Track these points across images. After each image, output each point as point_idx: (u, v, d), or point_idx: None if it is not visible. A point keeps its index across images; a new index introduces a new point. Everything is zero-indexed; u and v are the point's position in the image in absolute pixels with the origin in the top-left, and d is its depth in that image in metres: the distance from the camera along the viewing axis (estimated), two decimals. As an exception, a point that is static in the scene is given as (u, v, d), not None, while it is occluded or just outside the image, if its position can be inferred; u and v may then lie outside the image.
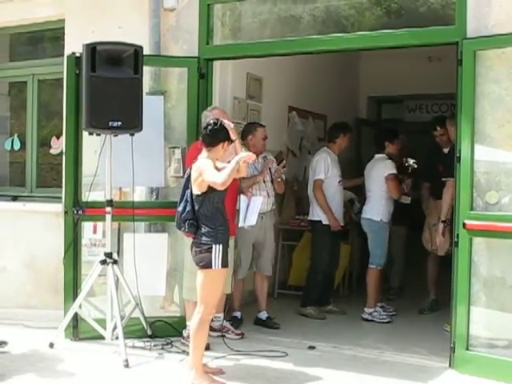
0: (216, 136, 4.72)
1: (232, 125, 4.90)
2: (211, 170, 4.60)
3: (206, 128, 4.77)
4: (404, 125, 10.86)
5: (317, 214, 6.81)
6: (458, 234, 5.03)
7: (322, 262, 6.81)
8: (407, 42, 5.42)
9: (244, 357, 5.38)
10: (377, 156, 6.92)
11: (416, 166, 6.86)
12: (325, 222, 6.74)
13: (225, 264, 4.68)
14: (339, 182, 6.90)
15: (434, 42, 5.41)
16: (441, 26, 5.22)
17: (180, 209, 4.77)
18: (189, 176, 4.76)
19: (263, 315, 6.44)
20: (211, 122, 4.78)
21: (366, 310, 6.67)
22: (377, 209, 6.74)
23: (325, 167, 6.78)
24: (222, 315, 5.88)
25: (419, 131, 10.20)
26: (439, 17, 5.37)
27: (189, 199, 4.71)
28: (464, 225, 4.98)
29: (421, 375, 5.00)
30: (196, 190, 4.66)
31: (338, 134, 6.95)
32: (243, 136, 6.26)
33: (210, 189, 4.63)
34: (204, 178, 4.61)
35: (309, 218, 6.99)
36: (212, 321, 5.76)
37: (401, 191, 6.82)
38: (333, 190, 6.81)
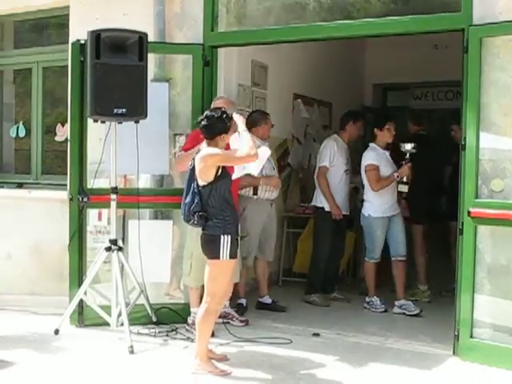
0: (211, 130, 4.64)
1: (241, 117, 4.80)
2: (231, 152, 4.64)
3: (201, 121, 4.68)
4: (409, 112, 10.81)
5: (320, 200, 6.82)
6: (462, 222, 5.02)
7: (323, 248, 6.82)
8: (413, 29, 5.40)
9: (248, 344, 5.40)
10: (369, 146, 6.77)
11: (415, 151, 6.40)
12: (327, 208, 6.75)
13: (233, 255, 4.65)
14: (345, 171, 6.87)
15: (439, 29, 5.37)
16: (447, 12, 5.19)
17: (188, 200, 4.64)
18: (193, 167, 4.66)
19: (267, 299, 6.50)
20: (206, 114, 4.69)
21: (365, 298, 6.67)
22: (367, 203, 6.59)
23: (330, 154, 6.77)
24: (227, 302, 5.91)
25: (425, 119, 10.23)
26: (445, 3, 5.33)
27: (196, 190, 4.62)
28: (469, 213, 4.97)
29: (425, 362, 5.02)
30: (202, 181, 4.59)
31: (347, 121, 6.94)
32: (256, 123, 6.35)
33: (217, 177, 4.58)
34: (232, 161, 4.68)
35: (312, 204, 7.00)
36: None
37: (381, 182, 6.45)
38: (337, 179, 6.80)
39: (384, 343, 5.52)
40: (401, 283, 6.55)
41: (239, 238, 4.90)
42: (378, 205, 6.51)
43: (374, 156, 6.57)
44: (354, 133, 6.97)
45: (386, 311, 6.53)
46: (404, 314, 6.41)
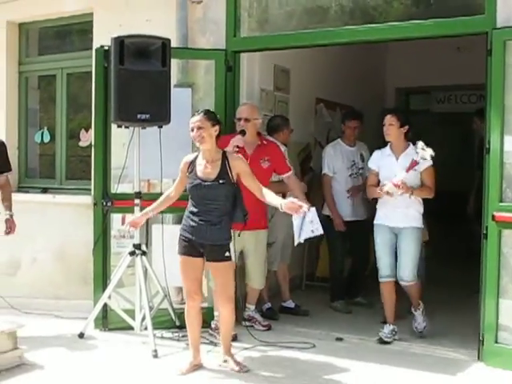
0: None
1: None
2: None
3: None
4: (432, 116, 10.77)
5: (327, 208, 6.81)
6: (486, 226, 4.99)
7: (335, 256, 6.85)
8: (436, 32, 5.37)
9: (272, 348, 5.41)
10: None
11: (428, 157, 5.22)
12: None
13: (180, 252, 4.78)
14: (350, 176, 6.72)
15: (462, 32, 5.33)
16: (470, 15, 5.16)
17: None
18: None
19: (291, 304, 6.54)
20: None
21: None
22: None
23: (327, 162, 6.71)
24: (252, 306, 6.00)
25: (448, 122, 10.18)
26: (468, 6, 5.30)
27: None
28: (493, 217, 4.93)
29: (449, 368, 4.98)
30: None
31: (340, 124, 6.97)
32: (278, 128, 6.43)
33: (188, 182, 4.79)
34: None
35: (322, 211, 6.95)
36: (244, 311, 5.96)
37: (369, 190, 5.75)
38: (342, 184, 6.69)
39: (407, 348, 5.50)
40: (415, 303, 5.73)
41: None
42: (379, 211, 5.68)
43: (374, 158, 5.78)
44: (348, 133, 6.81)
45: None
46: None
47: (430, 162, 5.39)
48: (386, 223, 5.59)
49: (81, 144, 7.19)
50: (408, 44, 6.89)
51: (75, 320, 5.96)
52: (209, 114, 4.76)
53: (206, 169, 4.73)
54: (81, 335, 5.65)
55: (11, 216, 5.74)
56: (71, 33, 7.36)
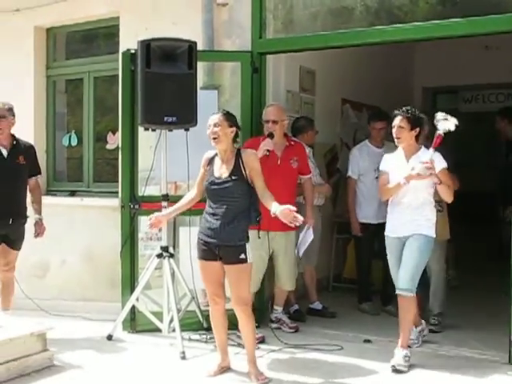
0: None
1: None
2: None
3: None
4: (459, 115, 10.66)
5: None
6: (516, 226, 4.94)
7: (360, 258, 6.84)
8: (463, 31, 5.31)
9: (299, 350, 5.39)
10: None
11: (453, 127, 4.81)
12: (360, 219, 6.68)
13: (198, 256, 4.77)
14: (377, 178, 6.64)
15: (490, 30, 5.27)
16: (498, 13, 5.10)
17: None
18: None
19: (318, 305, 6.51)
20: None
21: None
22: None
23: (352, 164, 6.69)
24: (280, 308, 5.99)
25: (475, 122, 10.09)
26: (496, 4, 5.24)
27: None
28: (523, 216, 4.89)
29: (479, 370, 4.92)
30: None
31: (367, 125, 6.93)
32: (303, 129, 6.43)
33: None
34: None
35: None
36: (272, 312, 5.97)
37: (384, 190, 5.26)
38: (368, 187, 6.62)
39: (436, 350, 5.45)
40: (404, 328, 5.10)
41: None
42: (388, 221, 5.30)
43: (384, 160, 5.38)
44: (374, 135, 6.74)
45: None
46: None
47: (445, 164, 5.02)
48: (394, 234, 5.18)
49: (108, 147, 7.24)
50: (435, 43, 6.84)
51: (103, 322, 6.00)
52: (227, 115, 4.73)
53: (221, 168, 4.70)
54: (109, 337, 5.69)
55: (40, 220, 5.80)
56: (98, 37, 7.41)
